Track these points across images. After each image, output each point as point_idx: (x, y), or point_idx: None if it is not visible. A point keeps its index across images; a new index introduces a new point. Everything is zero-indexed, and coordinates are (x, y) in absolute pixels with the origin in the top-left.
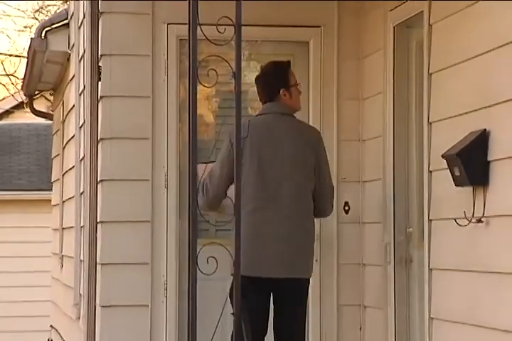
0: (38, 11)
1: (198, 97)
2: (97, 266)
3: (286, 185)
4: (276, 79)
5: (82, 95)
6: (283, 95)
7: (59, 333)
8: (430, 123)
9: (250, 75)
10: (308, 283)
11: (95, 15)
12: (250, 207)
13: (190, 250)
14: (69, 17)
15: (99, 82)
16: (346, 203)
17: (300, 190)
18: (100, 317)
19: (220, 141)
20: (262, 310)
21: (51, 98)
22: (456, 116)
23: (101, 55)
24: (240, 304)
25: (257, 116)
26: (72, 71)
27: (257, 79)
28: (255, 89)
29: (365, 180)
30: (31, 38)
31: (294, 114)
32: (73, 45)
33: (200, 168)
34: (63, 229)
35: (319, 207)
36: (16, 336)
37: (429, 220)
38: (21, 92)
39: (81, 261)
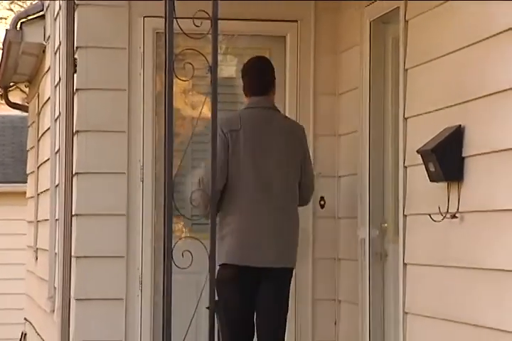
0: (13, 2)
1: (174, 91)
2: (72, 259)
3: (278, 177)
4: (273, 73)
5: (58, 87)
6: (274, 89)
7: (33, 326)
8: (406, 119)
9: (227, 69)
10: (292, 272)
11: (71, 7)
12: (245, 200)
13: (166, 244)
14: (45, 9)
15: (75, 75)
16: (322, 198)
17: (289, 183)
18: (75, 311)
19: (196, 135)
20: (247, 299)
21: (26, 90)
22: (431, 111)
23: (77, 48)
24: (214, 298)
25: (245, 109)
26: (47, 63)
27: (251, 71)
28: (231, 82)
29: (340, 175)
30: (6, 30)
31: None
32: (49, 36)
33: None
34: (38, 221)
35: (303, 196)
36: None
37: (404, 215)
38: None
39: (56, 254)
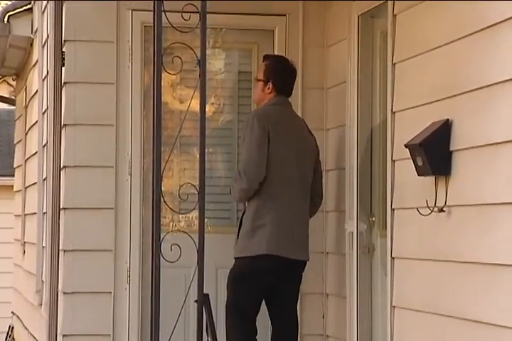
0: None
1: (162, 84)
2: (60, 252)
3: (304, 173)
4: None
5: (46, 81)
6: None
7: (20, 320)
8: (394, 113)
9: (215, 63)
10: None
11: (59, 1)
12: (283, 192)
13: (154, 237)
14: (32, 1)
15: (63, 68)
16: None
17: (310, 180)
18: (62, 304)
19: (185, 129)
20: (270, 290)
21: (14, 83)
22: (419, 106)
23: (65, 41)
24: (202, 291)
25: (275, 105)
26: (35, 56)
27: (286, 70)
28: (219, 76)
29: (328, 168)
30: None
31: None
32: (37, 30)
33: None
34: (25, 215)
35: (318, 191)
36: None
37: (392, 209)
38: None
39: (43, 247)
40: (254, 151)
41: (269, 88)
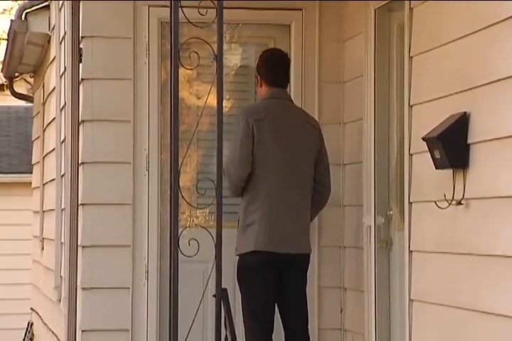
0: None
1: (179, 80)
2: (78, 248)
3: (299, 167)
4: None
5: (63, 77)
6: None
7: (40, 316)
8: (411, 106)
9: (231, 58)
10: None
11: (76, 0)
12: (272, 187)
13: (172, 232)
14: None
15: (80, 64)
16: None
17: (308, 172)
18: (81, 300)
19: (203, 124)
20: (274, 286)
21: (31, 80)
22: (436, 99)
23: (82, 37)
24: (220, 286)
25: (267, 99)
26: (52, 53)
27: (275, 62)
28: (236, 71)
29: (346, 162)
30: (11, 20)
31: None
32: (54, 26)
33: None
34: (44, 211)
35: (322, 183)
36: None
37: (410, 203)
38: (1, 74)
39: (62, 243)
40: (236, 149)
41: (260, 82)
